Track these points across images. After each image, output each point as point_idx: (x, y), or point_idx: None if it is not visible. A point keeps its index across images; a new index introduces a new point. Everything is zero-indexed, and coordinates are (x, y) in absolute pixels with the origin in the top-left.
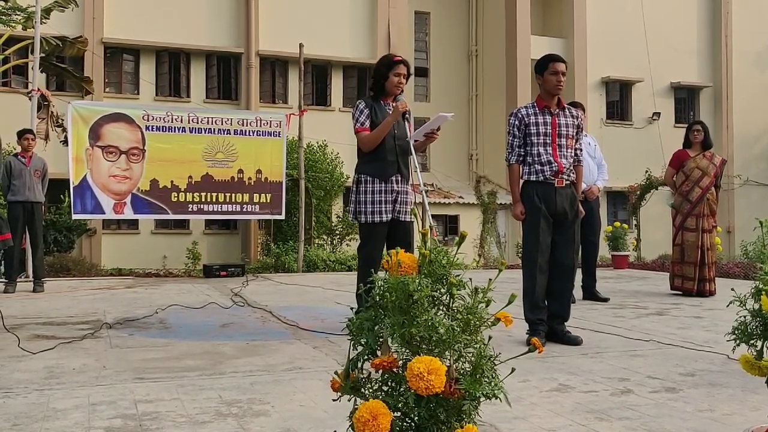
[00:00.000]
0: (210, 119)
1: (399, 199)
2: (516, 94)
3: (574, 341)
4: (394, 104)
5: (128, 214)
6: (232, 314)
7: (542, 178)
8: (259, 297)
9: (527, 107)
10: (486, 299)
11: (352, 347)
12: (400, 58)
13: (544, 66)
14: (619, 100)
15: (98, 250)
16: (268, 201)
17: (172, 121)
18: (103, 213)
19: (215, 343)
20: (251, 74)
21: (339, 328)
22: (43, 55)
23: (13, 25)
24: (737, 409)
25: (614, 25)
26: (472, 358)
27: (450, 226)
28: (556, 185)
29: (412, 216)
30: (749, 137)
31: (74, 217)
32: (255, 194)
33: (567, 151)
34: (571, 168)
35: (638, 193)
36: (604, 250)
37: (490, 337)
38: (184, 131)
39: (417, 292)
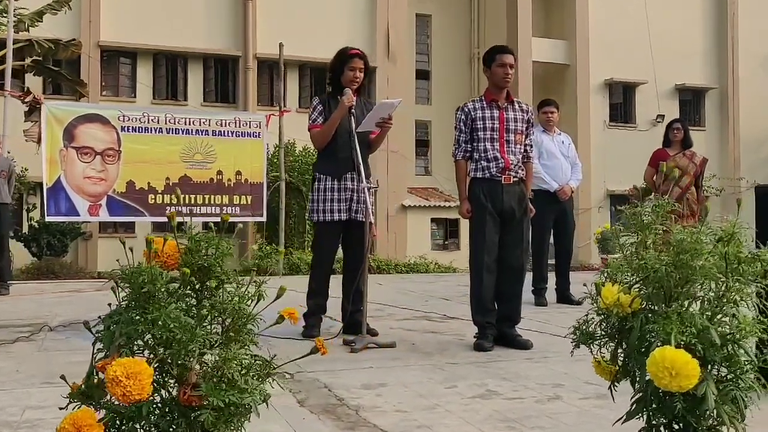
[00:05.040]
0: (188, 120)
1: (354, 197)
2: (517, 96)
3: (524, 345)
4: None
5: (104, 216)
6: None
7: (488, 175)
8: None
9: (474, 101)
10: (259, 294)
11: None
12: (356, 51)
13: (491, 58)
14: (622, 102)
15: (94, 254)
16: (249, 203)
17: (148, 122)
18: (78, 215)
19: None
20: (249, 77)
21: (290, 331)
22: (38, 58)
23: (3, 28)
24: None
25: (617, 26)
26: (235, 362)
27: (450, 229)
28: (503, 182)
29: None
30: (756, 140)
31: (47, 219)
32: (235, 196)
33: (515, 147)
34: (520, 165)
35: (640, 195)
36: (595, 252)
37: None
38: (161, 132)
39: (149, 284)
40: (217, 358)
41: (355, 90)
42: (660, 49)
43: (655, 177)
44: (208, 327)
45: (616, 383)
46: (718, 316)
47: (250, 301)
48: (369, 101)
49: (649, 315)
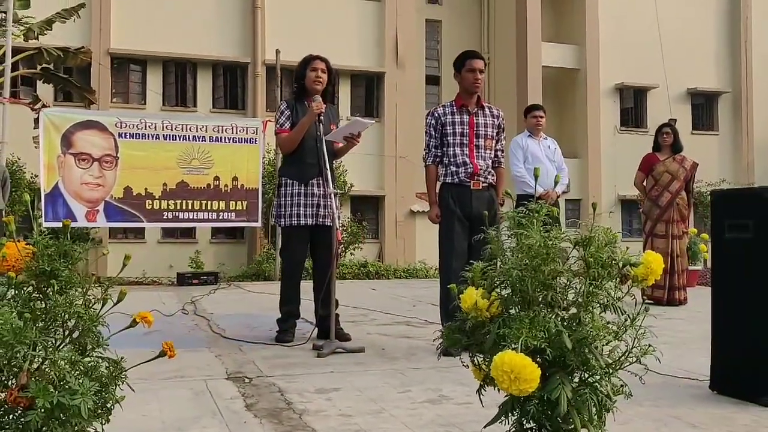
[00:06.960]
0: (184, 126)
1: (321, 203)
2: (527, 101)
3: None
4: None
5: (101, 221)
6: (168, 322)
7: (457, 180)
8: (213, 305)
9: (444, 106)
10: (106, 297)
11: None
12: (317, 55)
13: (461, 63)
14: (633, 106)
15: (104, 260)
16: (245, 208)
17: (145, 128)
18: (75, 221)
19: (119, 351)
20: (257, 83)
21: (266, 336)
22: (48, 66)
23: (13, 36)
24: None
25: (628, 30)
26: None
27: None
28: (471, 188)
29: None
30: None
31: (45, 224)
32: (231, 201)
33: (485, 152)
34: (489, 170)
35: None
36: None
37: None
38: (158, 138)
39: None
40: (50, 362)
41: (321, 94)
42: (671, 52)
43: (645, 182)
44: (51, 330)
45: (483, 389)
46: (586, 320)
47: (97, 305)
48: (335, 108)
49: (508, 320)
